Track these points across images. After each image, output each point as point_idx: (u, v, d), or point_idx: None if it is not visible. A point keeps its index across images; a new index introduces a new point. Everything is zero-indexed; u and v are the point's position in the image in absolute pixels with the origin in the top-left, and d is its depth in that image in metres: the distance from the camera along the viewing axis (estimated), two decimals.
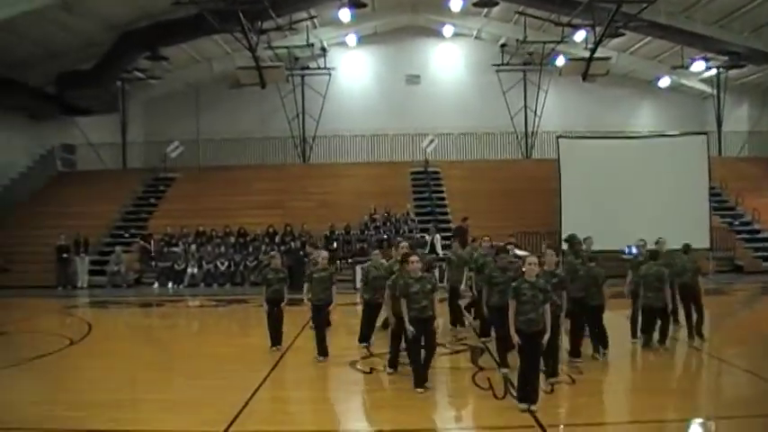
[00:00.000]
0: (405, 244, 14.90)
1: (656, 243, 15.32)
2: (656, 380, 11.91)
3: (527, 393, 9.80)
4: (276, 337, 14.36)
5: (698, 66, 35.87)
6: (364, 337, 14.57)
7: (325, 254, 14.48)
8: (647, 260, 14.05)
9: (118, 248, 28.72)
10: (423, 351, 11.10)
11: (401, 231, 28.83)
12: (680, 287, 14.95)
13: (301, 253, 25.65)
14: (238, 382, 12.00)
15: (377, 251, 15.53)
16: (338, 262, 27.52)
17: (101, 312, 23.00)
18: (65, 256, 28.09)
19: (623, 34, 32.54)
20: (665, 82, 40.05)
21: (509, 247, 14.54)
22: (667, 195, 27.11)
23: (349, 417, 10.53)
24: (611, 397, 11.19)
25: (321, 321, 13.61)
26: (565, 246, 15.98)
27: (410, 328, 11.01)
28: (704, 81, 39.38)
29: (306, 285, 13.66)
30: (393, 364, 12.19)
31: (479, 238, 16.65)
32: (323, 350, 13.40)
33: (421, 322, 10.98)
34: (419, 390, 10.86)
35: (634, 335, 14.26)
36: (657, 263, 13.93)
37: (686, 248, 15.43)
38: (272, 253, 15.91)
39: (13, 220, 32.40)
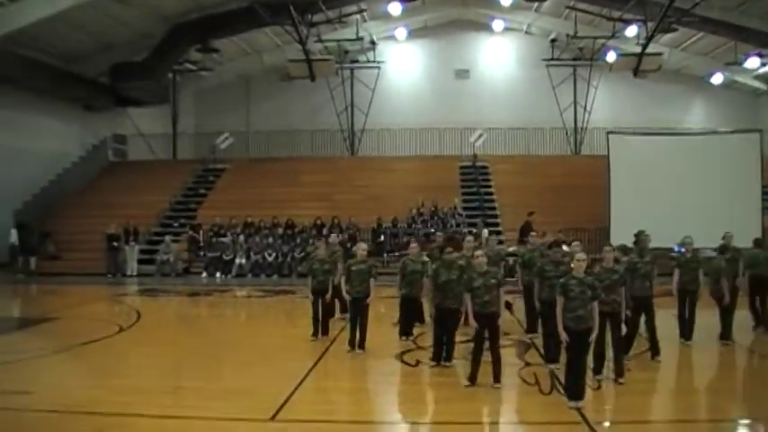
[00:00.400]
0: (470, 238, 14.95)
1: (723, 238, 15.23)
2: (707, 379, 11.78)
3: (574, 390, 9.74)
4: (323, 328, 14.46)
5: (752, 62, 35.12)
6: (404, 332, 14.45)
7: (364, 246, 14.45)
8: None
9: (167, 238, 28.98)
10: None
11: (448, 225, 28.70)
12: (751, 279, 15.01)
13: (349, 245, 25.67)
14: (284, 371, 12.07)
15: (414, 244, 15.29)
16: (385, 255, 27.54)
17: (149, 300, 23.28)
18: (115, 244, 28.40)
19: (676, 30, 31.97)
20: (717, 78, 39.31)
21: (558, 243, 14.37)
22: (719, 194, 26.67)
23: (393, 408, 10.54)
24: (658, 396, 11.04)
25: (358, 314, 13.50)
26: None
27: (473, 323, 11.02)
28: (758, 78, 38.51)
29: (343, 278, 13.67)
30: (436, 357, 12.14)
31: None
32: (352, 341, 13.38)
33: (483, 317, 10.89)
34: (496, 385, 10.75)
35: (683, 334, 14.03)
36: (725, 256, 13.99)
37: (758, 242, 15.49)
38: (318, 243, 15.90)
39: (65, 208, 32.90)
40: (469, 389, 10.75)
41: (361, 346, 13.32)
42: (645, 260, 12.73)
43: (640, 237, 13.53)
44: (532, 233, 15.60)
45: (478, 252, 11.43)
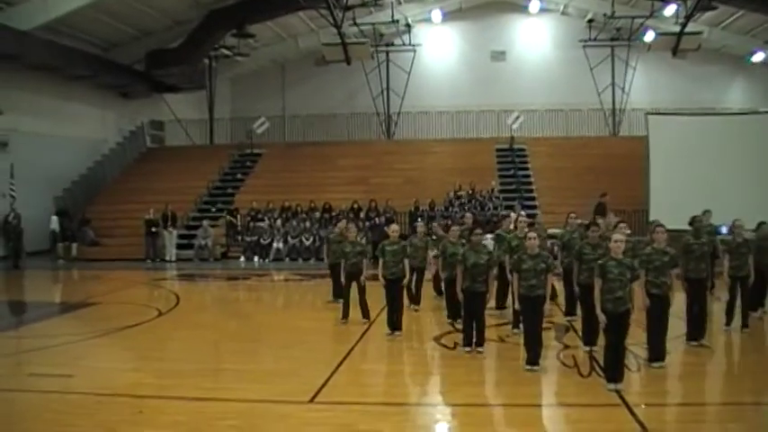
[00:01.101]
0: (523, 219, 14.87)
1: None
2: (750, 363, 11.62)
3: (613, 372, 9.64)
4: (363, 311, 14.42)
5: None
6: (452, 315, 14.16)
7: (395, 227, 14.43)
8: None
9: (205, 223, 29.13)
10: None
11: (486, 209, 28.59)
12: None
13: (386, 228, 25.62)
14: (323, 354, 12.12)
15: (455, 227, 15.14)
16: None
17: (188, 285, 23.41)
18: (153, 230, 28.59)
19: (715, 8, 31.41)
20: (758, 57, 38.60)
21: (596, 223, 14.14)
22: (760, 175, 26.29)
23: (431, 390, 10.53)
24: (699, 379, 10.84)
25: (394, 296, 13.49)
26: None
27: (518, 306, 11.03)
28: None
29: (381, 260, 13.61)
30: (467, 341, 11.98)
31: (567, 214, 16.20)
32: (393, 323, 13.34)
33: (529, 300, 10.77)
34: (534, 367, 10.67)
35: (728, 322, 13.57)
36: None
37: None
38: (341, 223, 15.95)
39: (104, 195, 33.25)
40: (504, 372, 10.70)
41: (398, 327, 13.30)
42: (700, 241, 12.51)
43: (696, 217, 13.34)
44: (572, 214, 15.36)
45: (531, 234, 11.26)
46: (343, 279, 14.51)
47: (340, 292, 15.60)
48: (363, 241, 15.90)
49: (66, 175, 31.82)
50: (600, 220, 14.66)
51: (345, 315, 14.51)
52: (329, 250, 17.37)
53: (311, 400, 9.35)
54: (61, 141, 30.72)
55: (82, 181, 32.93)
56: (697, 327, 12.22)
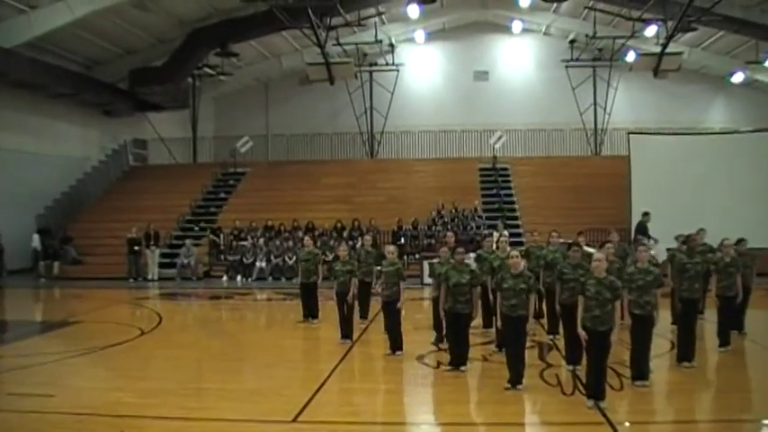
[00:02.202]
0: (504, 238, 14.88)
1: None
2: (734, 381, 11.66)
3: (595, 391, 9.65)
4: (346, 330, 14.39)
5: None
6: (440, 338, 13.91)
7: (392, 248, 14.26)
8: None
9: (188, 242, 29.04)
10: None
11: (469, 227, 28.66)
12: None
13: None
14: (306, 373, 12.12)
15: (444, 247, 14.38)
16: (405, 257, 27.48)
17: (170, 304, 23.34)
18: (136, 248, 28.48)
19: (696, 29, 31.70)
20: (738, 78, 38.99)
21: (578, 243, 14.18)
22: (740, 193, 26.47)
23: (415, 410, 10.50)
24: (683, 397, 10.82)
25: (388, 318, 13.48)
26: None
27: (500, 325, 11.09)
28: None
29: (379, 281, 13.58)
30: (454, 361, 11.94)
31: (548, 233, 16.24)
32: (392, 346, 13.25)
33: (511, 320, 10.72)
34: (517, 386, 10.64)
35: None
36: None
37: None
38: (340, 246, 15.90)
39: (86, 213, 33.16)
40: (492, 390, 10.70)
41: (399, 348, 13.20)
42: (694, 261, 12.54)
43: (690, 236, 13.40)
44: (554, 233, 15.38)
45: (514, 252, 11.29)
46: (335, 298, 14.50)
47: (309, 312, 15.79)
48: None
49: (49, 192, 31.74)
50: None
51: (344, 335, 14.46)
52: (300, 269, 17.49)
53: (294, 420, 9.30)
54: (44, 159, 30.65)
55: (64, 199, 32.85)
56: (688, 348, 12.25)
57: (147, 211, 31.39)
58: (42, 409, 9.75)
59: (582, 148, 38.89)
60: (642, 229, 23.37)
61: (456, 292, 11.65)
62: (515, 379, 10.65)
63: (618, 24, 34.99)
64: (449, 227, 28.34)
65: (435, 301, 13.74)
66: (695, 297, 12.38)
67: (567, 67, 37.90)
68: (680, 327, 12.52)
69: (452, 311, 11.74)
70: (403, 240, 28.37)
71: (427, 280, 21.83)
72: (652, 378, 10.91)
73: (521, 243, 24.17)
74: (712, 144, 28.98)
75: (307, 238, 16.62)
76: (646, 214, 24.63)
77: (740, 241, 14.66)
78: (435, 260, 14.68)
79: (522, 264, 10.99)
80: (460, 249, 12.24)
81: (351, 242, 27.25)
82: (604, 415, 9.27)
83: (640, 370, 10.78)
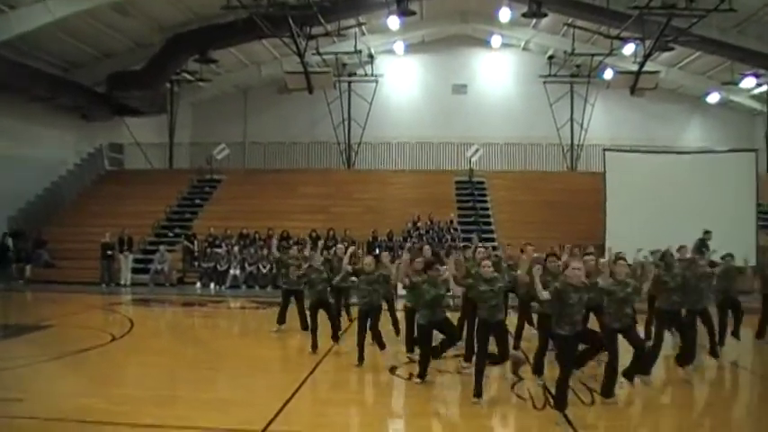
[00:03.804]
0: (481, 250, 14.83)
1: (723, 258, 15.39)
2: (706, 397, 11.76)
3: (560, 401, 9.71)
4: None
5: (748, 82, 35.25)
6: (411, 348, 13.98)
7: (369, 260, 14.24)
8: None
9: (162, 248, 28.94)
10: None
11: (444, 240, 28.72)
12: None
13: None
14: (277, 383, 12.06)
15: (419, 258, 14.04)
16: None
17: (143, 310, 23.21)
18: (109, 253, 28.36)
19: (673, 49, 32.07)
20: (714, 98, 39.46)
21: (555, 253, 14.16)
22: (714, 212, 26.61)
23: (386, 421, 10.52)
24: (653, 412, 10.85)
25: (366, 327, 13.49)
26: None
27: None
28: (754, 98, 38.62)
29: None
30: (423, 374, 11.97)
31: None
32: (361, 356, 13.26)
33: (489, 327, 10.89)
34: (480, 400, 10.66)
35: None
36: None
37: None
38: (312, 254, 15.88)
39: (60, 216, 32.96)
40: (464, 403, 10.73)
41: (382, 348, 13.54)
42: (672, 273, 12.67)
43: (666, 251, 13.56)
44: (529, 246, 15.39)
45: (486, 262, 11.36)
46: (307, 308, 14.48)
47: (283, 320, 15.90)
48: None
49: (22, 195, 31.46)
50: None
51: (314, 346, 14.40)
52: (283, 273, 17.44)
53: (264, 429, 9.27)
54: (17, 162, 30.23)
55: (37, 202, 32.57)
56: (689, 356, 12.45)
57: (121, 215, 31.26)
58: (10, 414, 9.68)
59: (558, 164, 39.12)
60: (702, 246, 23.17)
61: (433, 304, 11.72)
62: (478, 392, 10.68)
63: (596, 42, 35.29)
64: (424, 239, 28.41)
65: (409, 311, 13.83)
66: (675, 309, 12.51)
67: (545, 82, 38.27)
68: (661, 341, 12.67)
69: (431, 323, 11.81)
70: (378, 251, 28.37)
71: (401, 291, 21.75)
72: (622, 393, 10.98)
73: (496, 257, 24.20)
74: (688, 163, 29.24)
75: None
76: (707, 233, 24.39)
77: (726, 257, 15.01)
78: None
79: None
80: (437, 266, 12.23)
81: (325, 252, 27.20)
82: (571, 424, 9.32)
83: (611, 387, 10.75)
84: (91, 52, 32.82)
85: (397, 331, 15.56)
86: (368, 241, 28.77)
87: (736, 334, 15.24)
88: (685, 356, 12.52)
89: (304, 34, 30.92)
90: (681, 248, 15.55)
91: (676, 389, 12.14)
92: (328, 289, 14.88)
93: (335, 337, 14.64)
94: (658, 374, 12.45)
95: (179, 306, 24.11)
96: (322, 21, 30.11)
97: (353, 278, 14.38)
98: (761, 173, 29.32)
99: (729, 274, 14.93)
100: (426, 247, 17.20)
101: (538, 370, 11.91)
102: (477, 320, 11.28)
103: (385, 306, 14.63)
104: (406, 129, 39.81)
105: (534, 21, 35.84)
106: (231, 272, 28.03)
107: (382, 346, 13.69)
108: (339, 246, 19.71)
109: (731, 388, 13.22)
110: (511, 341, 13.07)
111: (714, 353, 13.61)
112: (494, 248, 16.14)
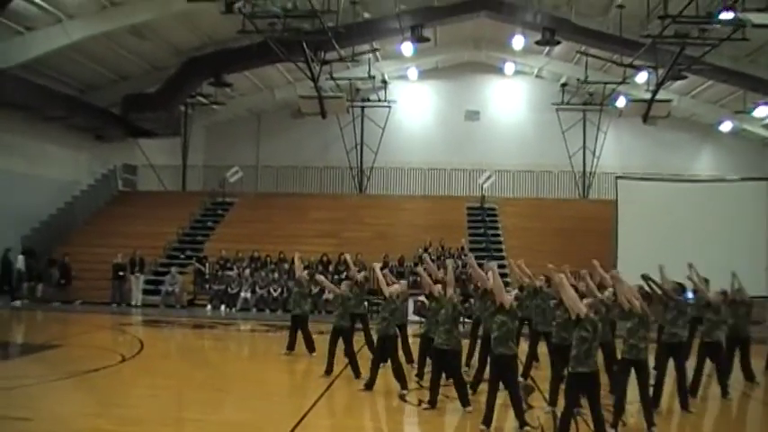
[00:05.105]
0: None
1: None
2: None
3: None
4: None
5: (761, 111, 35.15)
6: (421, 373, 13.98)
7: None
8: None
9: (173, 269, 29.02)
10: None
11: (455, 267, 28.59)
12: None
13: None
14: (287, 407, 12.06)
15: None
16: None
17: (153, 331, 23.25)
18: (121, 274, 28.47)
19: (686, 77, 32.06)
20: (726, 126, 39.41)
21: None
22: (726, 241, 26.59)
23: None
24: None
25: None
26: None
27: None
28: (767, 126, 38.64)
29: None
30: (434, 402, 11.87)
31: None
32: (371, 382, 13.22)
33: (497, 360, 10.70)
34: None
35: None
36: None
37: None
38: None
39: (73, 236, 33.05)
40: (472, 430, 10.68)
41: (403, 387, 13.11)
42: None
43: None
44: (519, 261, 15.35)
45: (508, 289, 11.23)
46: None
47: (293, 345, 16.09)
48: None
49: (36, 215, 31.61)
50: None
51: (329, 370, 14.41)
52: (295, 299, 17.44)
53: None
54: (32, 181, 30.49)
55: (51, 221, 32.69)
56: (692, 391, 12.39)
57: (134, 236, 31.35)
58: None
59: (570, 191, 39.13)
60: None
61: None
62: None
63: (609, 70, 35.38)
64: (435, 264, 28.30)
65: (423, 337, 13.78)
66: (678, 342, 12.36)
67: (557, 110, 38.26)
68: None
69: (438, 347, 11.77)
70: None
71: (412, 317, 21.85)
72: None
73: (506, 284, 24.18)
74: (699, 191, 29.21)
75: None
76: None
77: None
78: (421, 297, 14.66)
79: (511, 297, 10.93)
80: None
81: (336, 277, 27.20)
82: None
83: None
84: (107, 74, 33.12)
85: (410, 359, 15.44)
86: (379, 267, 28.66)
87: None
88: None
89: (318, 59, 31.05)
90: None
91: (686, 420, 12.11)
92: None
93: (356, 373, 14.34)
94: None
95: (189, 328, 24.14)
96: (336, 46, 30.23)
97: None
98: None
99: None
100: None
101: (553, 401, 11.79)
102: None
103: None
104: (418, 154, 39.91)
105: (547, 48, 35.89)
106: (242, 295, 28.07)
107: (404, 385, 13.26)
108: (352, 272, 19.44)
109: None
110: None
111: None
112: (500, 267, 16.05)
